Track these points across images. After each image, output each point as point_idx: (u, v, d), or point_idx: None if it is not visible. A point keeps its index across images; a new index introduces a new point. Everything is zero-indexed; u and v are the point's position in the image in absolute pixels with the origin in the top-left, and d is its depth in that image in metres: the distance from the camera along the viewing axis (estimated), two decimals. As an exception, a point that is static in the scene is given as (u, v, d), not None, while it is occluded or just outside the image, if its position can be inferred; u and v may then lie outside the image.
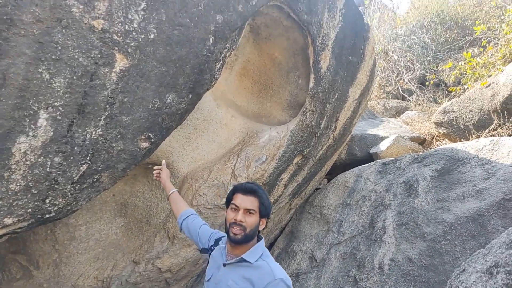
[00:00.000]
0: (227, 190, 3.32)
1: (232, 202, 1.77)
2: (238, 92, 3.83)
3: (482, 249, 1.77)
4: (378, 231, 3.41)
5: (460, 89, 6.95)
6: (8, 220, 1.99)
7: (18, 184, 1.92)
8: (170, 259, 3.25)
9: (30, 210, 2.03)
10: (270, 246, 4.60)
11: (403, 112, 8.31)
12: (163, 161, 2.60)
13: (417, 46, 9.43)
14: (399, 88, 9.39)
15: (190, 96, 2.50)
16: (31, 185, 1.96)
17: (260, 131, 3.54)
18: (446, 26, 9.66)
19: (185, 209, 2.25)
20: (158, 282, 3.38)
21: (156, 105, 2.30)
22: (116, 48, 2.03)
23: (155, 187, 3.25)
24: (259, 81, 3.88)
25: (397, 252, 3.10)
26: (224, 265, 1.75)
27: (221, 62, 2.65)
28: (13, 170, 1.88)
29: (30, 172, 1.93)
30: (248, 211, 1.72)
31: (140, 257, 3.16)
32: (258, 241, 1.79)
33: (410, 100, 8.91)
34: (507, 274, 1.45)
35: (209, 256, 1.91)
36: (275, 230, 4.61)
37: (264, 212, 1.76)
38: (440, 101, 8.41)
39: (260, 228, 1.76)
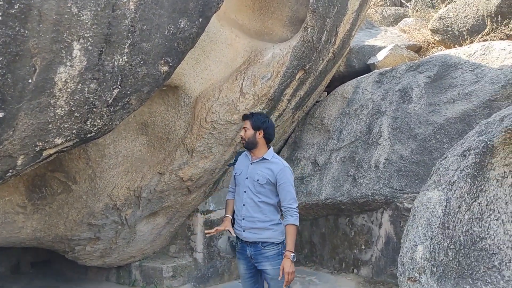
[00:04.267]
0: (236, 106, 3.62)
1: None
2: (239, 11, 3.92)
3: (461, 140, 2.13)
4: (375, 135, 3.79)
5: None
6: (57, 140, 2.33)
7: (63, 109, 2.21)
8: (190, 169, 3.68)
9: (74, 131, 2.35)
10: (275, 156, 5.02)
11: (400, 20, 8.24)
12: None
13: None
14: (397, -6, 9.16)
15: (200, 19, 2.67)
16: (73, 109, 2.25)
17: (263, 49, 3.71)
18: None
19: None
20: (181, 189, 3.85)
21: (171, 31, 2.49)
22: (132, -23, 2.16)
23: (171, 108, 3.54)
24: (259, -2, 3.94)
25: (391, 152, 3.51)
26: (251, 163, 2.65)
27: (226, -17, 2.75)
28: (57, 97, 2.15)
29: (71, 98, 2.20)
30: (244, 128, 2.62)
31: (164, 169, 3.58)
32: (269, 148, 2.67)
33: (408, 7, 8.76)
34: (476, 155, 1.85)
35: (234, 164, 2.79)
36: (280, 141, 5.01)
37: (255, 126, 2.59)
38: (436, 7, 8.28)
39: (259, 137, 2.59)
